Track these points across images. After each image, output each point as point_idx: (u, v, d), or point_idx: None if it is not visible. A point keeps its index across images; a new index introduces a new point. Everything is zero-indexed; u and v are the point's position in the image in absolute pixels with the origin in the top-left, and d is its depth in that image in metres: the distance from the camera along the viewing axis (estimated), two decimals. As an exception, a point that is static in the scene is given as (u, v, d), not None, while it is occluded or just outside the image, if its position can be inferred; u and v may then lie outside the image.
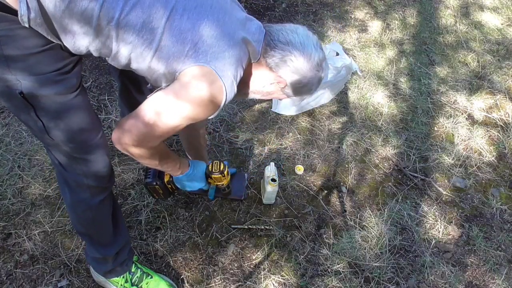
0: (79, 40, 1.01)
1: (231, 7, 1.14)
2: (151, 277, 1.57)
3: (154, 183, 1.52)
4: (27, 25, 0.93)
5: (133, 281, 1.55)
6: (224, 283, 1.68)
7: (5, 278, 1.61)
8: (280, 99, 1.31)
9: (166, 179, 1.54)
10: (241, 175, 1.90)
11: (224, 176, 1.57)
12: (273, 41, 1.14)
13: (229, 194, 1.72)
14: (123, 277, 1.54)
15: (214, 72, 1.05)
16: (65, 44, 1.02)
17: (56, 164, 1.23)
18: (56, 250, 1.70)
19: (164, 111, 1.08)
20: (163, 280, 1.59)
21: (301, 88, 1.21)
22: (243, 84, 1.20)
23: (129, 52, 1.06)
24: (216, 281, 1.68)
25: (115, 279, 1.54)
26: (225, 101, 1.10)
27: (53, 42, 1.00)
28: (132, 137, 1.11)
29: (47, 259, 1.67)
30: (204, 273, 1.69)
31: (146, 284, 1.56)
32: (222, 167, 1.55)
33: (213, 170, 1.55)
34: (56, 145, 1.16)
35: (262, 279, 1.69)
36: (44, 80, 1.01)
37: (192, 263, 1.72)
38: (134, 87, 1.65)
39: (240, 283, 1.68)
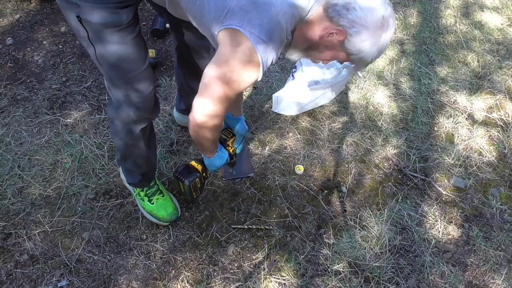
0: None
1: None
2: (163, 195, 1.79)
3: (196, 178, 1.57)
4: None
5: (147, 192, 1.77)
6: (224, 283, 1.68)
7: (5, 278, 1.61)
8: (340, 62, 1.21)
9: (199, 169, 1.60)
10: (245, 151, 1.95)
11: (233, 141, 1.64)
12: None
13: (234, 164, 1.74)
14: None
15: (243, 34, 1.04)
16: None
17: (107, 89, 1.44)
18: (56, 250, 1.70)
19: (221, 83, 1.12)
20: (171, 201, 1.80)
21: (362, 43, 1.09)
22: (300, 38, 1.16)
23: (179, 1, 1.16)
24: (216, 281, 1.68)
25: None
26: (264, 60, 1.08)
27: None
28: (205, 111, 1.18)
29: (47, 259, 1.67)
30: (204, 273, 1.69)
31: (157, 199, 1.77)
32: (232, 132, 1.64)
33: (228, 137, 1.61)
34: (105, 71, 1.36)
35: (262, 279, 1.69)
36: (98, 9, 1.18)
37: (192, 263, 1.72)
38: (193, 51, 1.72)
39: (240, 283, 1.68)
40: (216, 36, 1.11)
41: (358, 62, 1.17)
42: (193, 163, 1.60)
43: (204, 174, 1.61)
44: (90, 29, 1.23)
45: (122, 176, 1.85)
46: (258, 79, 1.14)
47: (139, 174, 1.71)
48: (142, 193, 1.78)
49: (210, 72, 1.13)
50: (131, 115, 1.44)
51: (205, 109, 1.18)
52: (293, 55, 1.25)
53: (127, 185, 1.85)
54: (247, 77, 1.12)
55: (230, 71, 1.11)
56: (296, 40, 1.18)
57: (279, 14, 1.05)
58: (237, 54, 1.08)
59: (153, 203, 1.77)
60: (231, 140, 1.61)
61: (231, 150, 1.63)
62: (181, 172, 1.57)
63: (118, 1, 1.20)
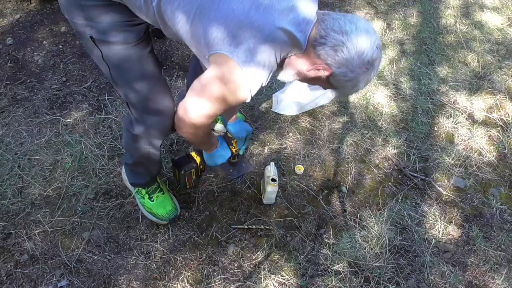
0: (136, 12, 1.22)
1: None
2: (163, 193, 1.79)
3: (192, 168, 1.63)
4: None
5: (148, 189, 1.77)
6: (224, 283, 1.68)
7: (5, 278, 1.61)
8: (324, 89, 1.27)
9: (197, 160, 1.65)
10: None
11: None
12: (325, 30, 1.09)
13: (236, 164, 1.78)
14: None
15: (231, 59, 1.07)
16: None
17: (125, 103, 1.45)
18: (56, 250, 1.70)
19: (208, 93, 1.17)
20: (170, 200, 1.80)
21: (345, 82, 1.15)
22: (290, 65, 1.19)
23: (173, 28, 1.19)
24: (216, 281, 1.68)
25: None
26: (252, 85, 1.12)
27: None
28: (202, 112, 1.22)
29: (47, 259, 1.67)
30: (204, 273, 1.69)
31: (157, 197, 1.77)
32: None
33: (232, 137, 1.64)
34: (120, 89, 1.38)
35: (262, 279, 1.69)
36: (110, 28, 1.21)
37: (192, 263, 1.72)
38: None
39: (240, 283, 1.68)
40: (208, 60, 1.15)
41: (340, 94, 1.27)
42: (193, 153, 1.65)
43: (201, 167, 1.65)
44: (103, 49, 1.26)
45: (124, 176, 1.85)
46: (247, 101, 1.17)
47: (147, 176, 1.73)
48: (143, 191, 1.78)
49: (208, 74, 1.16)
50: (155, 132, 1.45)
51: (202, 109, 1.21)
52: (284, 78, 1.27)
53: (127, 184, 1.85)
54: (233, 98, 1.16)
55: (228, 72, 1.12)
56: (286, 66, 1.21)
57: (268, 39, 1.07)
58: (223, 79, 1.12)
59: (153, 200, 1.77)
60: (235, 140, 1.62)
61: (234, 150, 1.64)
62: (179, 160, 1.63)
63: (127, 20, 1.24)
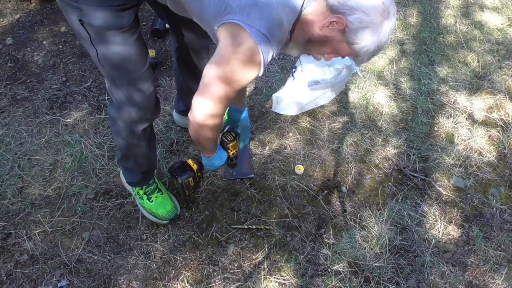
0: None
1: None
2: (162, 193, 1.80)
3: (189, 177, 1.62)
4: None
5: (146, 190, 1.78)
6: (224, 283, 1.68)
7: (5, 278, 1.61)
8: (342, 57, 1.18)
9: (194, 168, 1.64)
10: (247, 152, 1.98)
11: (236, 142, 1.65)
12: None
13: (235, 165, 1.75)
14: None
15: (244, 29, 1.04)
16: None
17: (108, 90, 1.45)
18: (56, 250, 1.70)
19: (220, 82, 1.13)
20: (169, 199, 1.81)
21: (363, 30, 1.06)
22: (300, 33, 1.15)
23: None
24: (216, 281, 1.68)
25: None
26: (265, 57, 1.08)
27: None
28: (206, 111, 1.20)
29: (47, 259, 1.67)
30: (204, 273, 1.69)
31: (156, 197, 1.78)
32: (234, 135, 1.63)
33: (228, 140, 1.62)
34: (107, 73, 1.36)
35: (262, 279, 1.69)
36: (99, 12, 1.18)
37: (192, 263, 1.72)
38: (193, 52, 1.73)
39: (240, 283, 1.68)
40: (216, 31, 1.11)
41: (360, 53, 1.12)
42: (190, 161, 1.64)
43: (199, 174, 1.64)
44: (92, 32, 1.24)
45: (122, 177, 1.85)
46: (259, 75, 1.14)
47: (139, 173, 1.72)
48: (141, 192, 1.79)
49: (211, 72, 1.13)
50: (133, 115, 1.45)
51: (205, 108, 1.19)
52: (293, 51, 1.24)
53: (126, 185, 1.85)
54: (248, 75, 1.13)
55: (230, 71, 1.11)
56: (296, 36, 1.17)
57: (278, 9, 1.05)
58: (238, 54, 1.08)
59: (152, 201, 1.77)
60: (231, 144, 1.61)
61: (230, 153, 1.63)
62: (176, 169, 1.62)
63: (118, 4, 1.20)
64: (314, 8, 1.11)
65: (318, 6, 1.11)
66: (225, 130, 1.68)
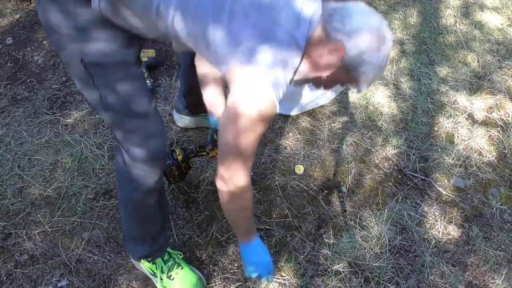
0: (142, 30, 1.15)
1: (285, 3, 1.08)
2: (182, 268, 1.60)
3: (172, 166, 1.61)
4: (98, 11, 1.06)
5: (163, 269, 1.59)
6: (224, 283, 1.68)
7: (5, 278, 1.61)
8: (342, 85, 1.20)
9: (179, 158, 1.63)
10: None
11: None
12: (329, 9, 1.08)
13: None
14: (155, 263, 1.59)
15: (252, 70, 1.04)
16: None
17: (115, 146, 1.37)
18: (56, 250, 1.70)
19: (238, 145, 1.12)
20: (192, 272, 1.62)
21: (361, 56, 1.06)
22: (311, 68, 1.14)
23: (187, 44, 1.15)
24: (216, 281, 1.68)
25: (148, 264, 1.59)
26: (277, 96, 1.08)
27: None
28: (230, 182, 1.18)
29: (47, 259, 1.67)
30: (204, 273, 1.69)
31: (176, 274, 1.59)
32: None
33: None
34: (111, 118, 1.26)
35: (262, 279, 1.69)
36: (104, 51, 1.13)
37: (192, 263, 1.72)
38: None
39: (240, 283, 1.68)
40: (226, 74, 1.11)
41: (360, 78, 1.12)
42: (178, 151, 1.66)
43: (184, 164, 1.65)
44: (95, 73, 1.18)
45: (133, 261, 1.66)
46: (277, 111, 1.11)
47: (150, 239, 1.53)
48: (157, 272, 1.59)
49: (227, 138, 1.13)
50: (145, 167, 1.33)
51: (236, 180, 1.18)
52: (298, 86, 1.24)
53: (139, 267, 1.65)
54: (264, 129, 1.13)
55: (246, 145, 1.11)
56: (300, 69, 1.15)
57: (283, 46, 1.05)
58: (253, 110, 1.06)
59: (172, 279, 1.58)
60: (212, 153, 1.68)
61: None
62: None
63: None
64: (314, 40, 1.10)
65: (317, 37, 1.09)
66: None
